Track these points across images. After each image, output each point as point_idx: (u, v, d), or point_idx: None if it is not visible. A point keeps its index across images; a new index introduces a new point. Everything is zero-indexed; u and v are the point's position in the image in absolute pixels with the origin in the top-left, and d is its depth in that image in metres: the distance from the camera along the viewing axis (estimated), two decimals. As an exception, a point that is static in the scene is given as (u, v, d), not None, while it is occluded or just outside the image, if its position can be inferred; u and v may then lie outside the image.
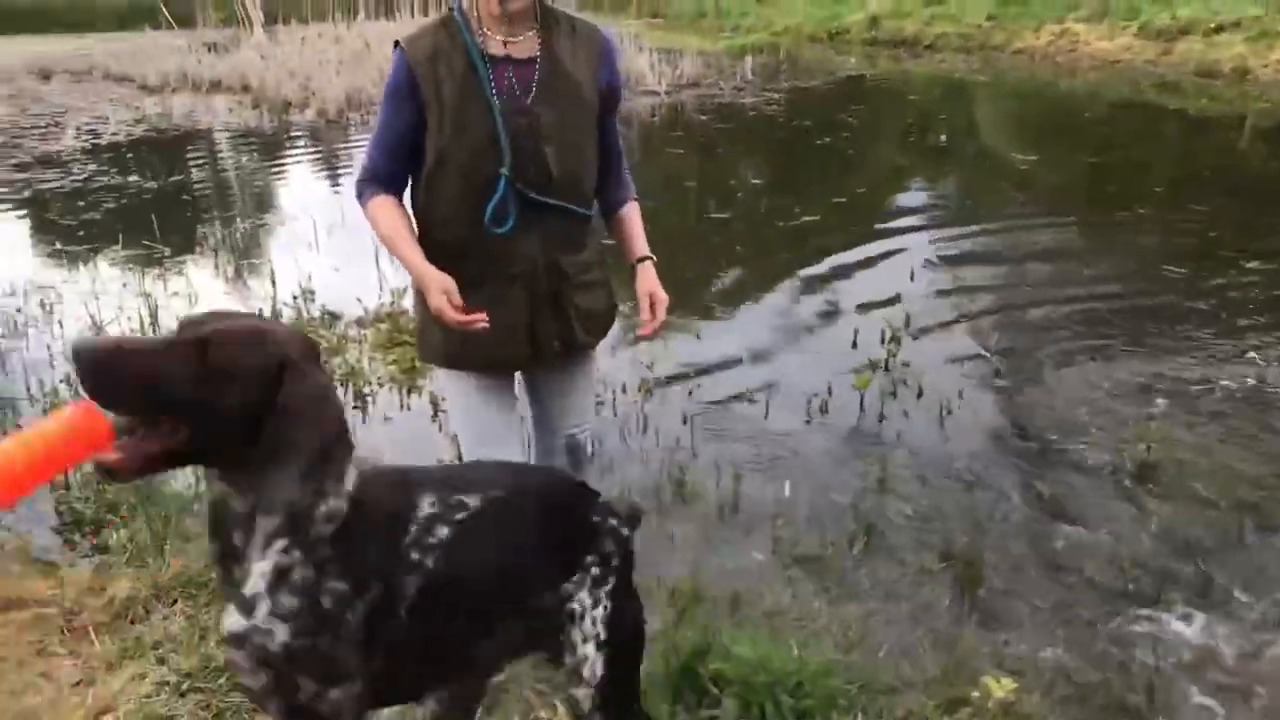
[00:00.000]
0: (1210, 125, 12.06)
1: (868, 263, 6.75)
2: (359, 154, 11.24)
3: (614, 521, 1.89)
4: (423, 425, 4.55)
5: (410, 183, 2.31)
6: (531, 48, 2.22)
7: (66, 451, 1.38)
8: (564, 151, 2.23)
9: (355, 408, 4.71)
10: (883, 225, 7.72)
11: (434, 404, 4.69)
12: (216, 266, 6.96)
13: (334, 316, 5.72)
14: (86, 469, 4.03)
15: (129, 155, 11.17)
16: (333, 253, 7.00)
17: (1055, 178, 9.52)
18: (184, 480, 3.90)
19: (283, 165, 11.12)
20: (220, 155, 11.74)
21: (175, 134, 12.49)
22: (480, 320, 2.13)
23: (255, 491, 1.49)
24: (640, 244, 2.44)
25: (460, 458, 2.60)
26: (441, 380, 2.51)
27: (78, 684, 2.49)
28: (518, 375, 2.52)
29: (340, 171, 10.61)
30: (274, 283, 6.13)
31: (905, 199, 8.65)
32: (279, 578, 1.51)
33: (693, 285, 6.27)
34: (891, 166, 10.47)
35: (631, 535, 1.94)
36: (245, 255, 7.32)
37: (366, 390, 4.86)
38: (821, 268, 6.71)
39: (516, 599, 1.77)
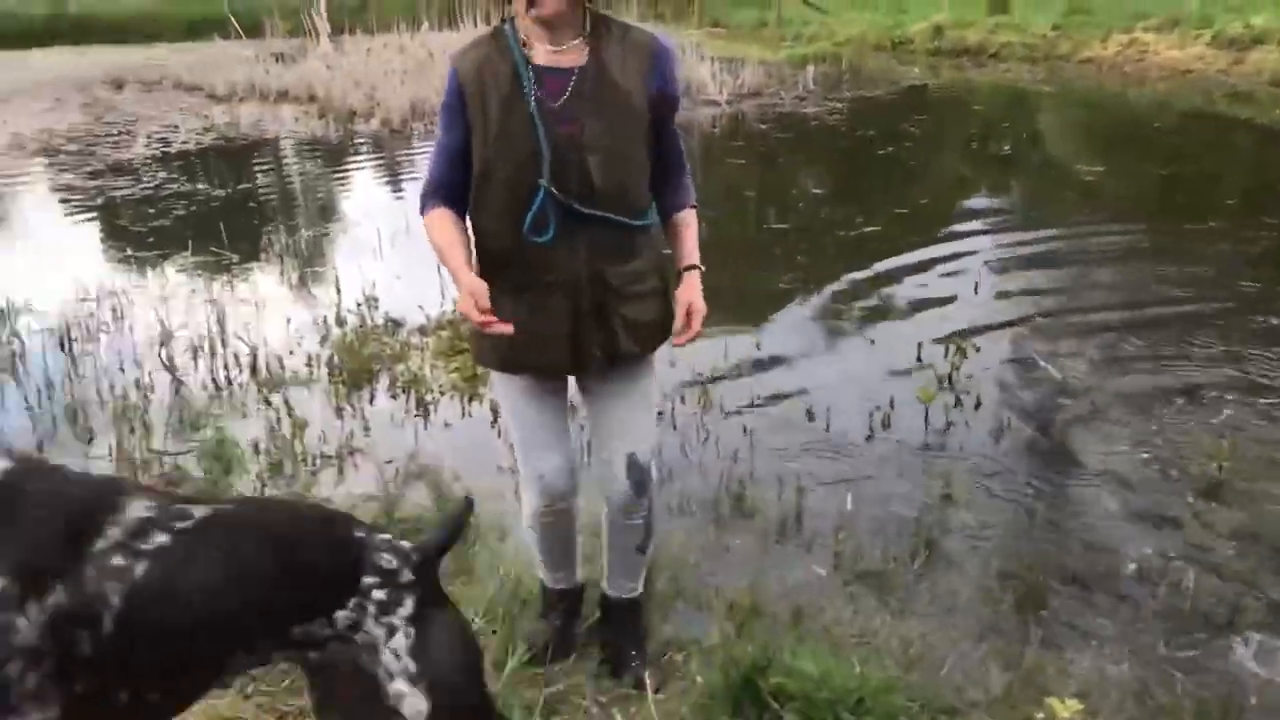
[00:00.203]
0: (1284, 136, 11.80)
1: (931, 274, 6.68)
2: (421, 163, 11.36)
3: (388, 539, 1.73)
4: (483, 433, 4.57)
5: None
6: (578, 57, 2.22)
7: None
8: (609, 161, 2.22)
9: (417, 415, 4.75)
10: (946, 236, 7.64)
11: (494, 411, 4.71)
12: (282, 273, 7.07)
13: (396, 324, 5.78)
14: (155, 470, 4.13)
15: (198, 163, 11.39)
16: (396, 261, 7.08)
17: (1123, 188, 9.36)
18: (249, 484, 3.97)
19: (347, 174, 11.28)
20: (286, 164, 11.94)
21: (243, 143, 12.72)
22: (504, 328, 2.14)
23: None
24: (687, 252, 2.40)
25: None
26: (495, 383, 2.56)
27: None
28: (573, 384, 2.53)
29: (402, 180, 10.73)
30: (338, 290, 6.21)
31: (969, 210, 8.55)
32: None
33: (753, 295, 6.24)
34: (955, 177, 10.37)
35: (430, 552, 1.76)
36: (310, 262, 7.43)
37: (428, 398, 4.90)
38: (884, 278, 6.65)
39: (255, 620, 1.59)
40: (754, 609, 3.01)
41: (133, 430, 4.50)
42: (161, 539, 1.50)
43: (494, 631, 2.72)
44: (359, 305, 6.04)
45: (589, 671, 2.64)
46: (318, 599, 1.63)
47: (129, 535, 1.48)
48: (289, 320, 5.94)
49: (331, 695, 1.77)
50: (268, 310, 6.19)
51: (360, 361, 5.24)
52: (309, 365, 5.29)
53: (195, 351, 5.48)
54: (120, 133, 13.41)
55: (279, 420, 4.62)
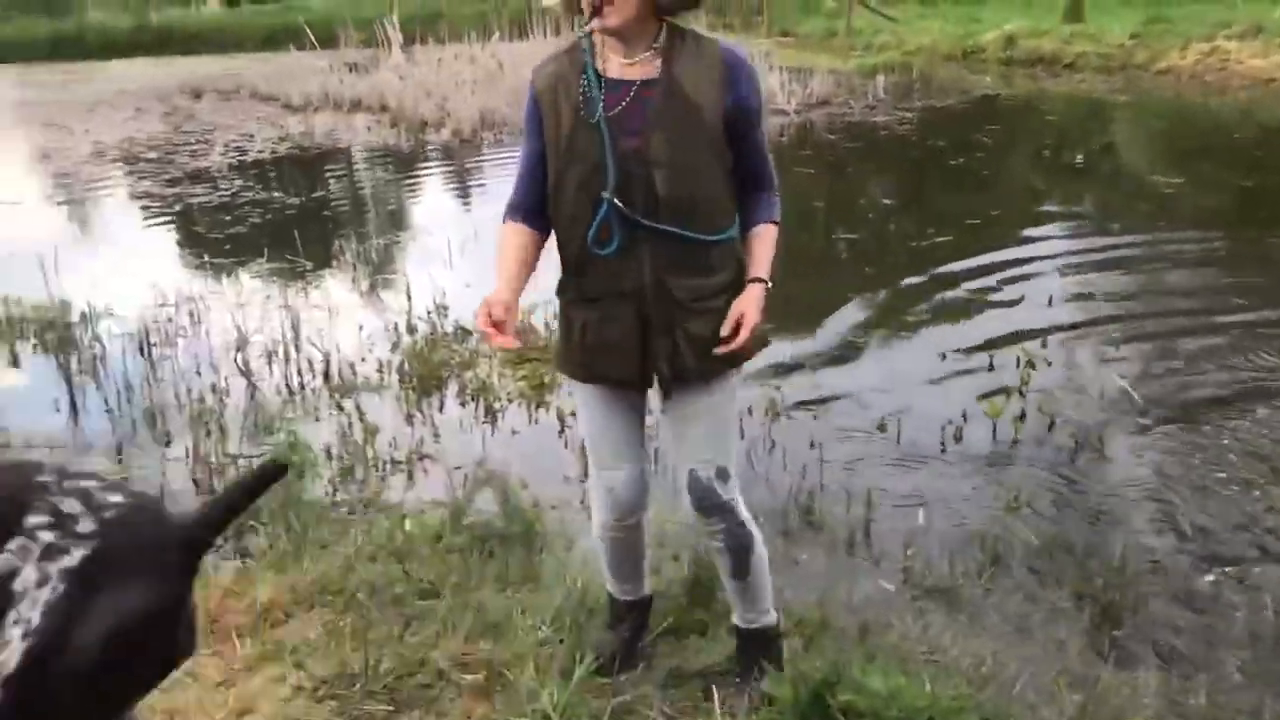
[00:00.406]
0: (1373, 147, 11.45)
1: (1002, 286, 6.58)
2: (490, 171, 11.49)
3: (87, 487, 1.50)
4: (550, 441, 4.60)
5: None
6: (650, 69, 2.21)
7: None
8: (675, 175, 2.21)
9: (485, 422, 4.80)
10: (1018, 248, 7.52)
11: (561, 419, 4.74)
12: (354, 281, 7.18)
13: (466, 332, 5.83)
14: (230, 473, 4.20)
15: (273, 172, 11.62)
16: (465, 269, 7.15)
17: (1202, 200, 9.15)
18: (321, 488, 4.03)
19: (418, 183, 11.42)
20: (359, 172, 12.12)
21: (317, 152, 12.94)
22: (504, 341, 2.15)
23: None
24: (755, 264, 2.34)
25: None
26: (574, 391, 2.56)
27: (220, 684, 2.57)
28: (655, 395, 2.51)
29: (471, 189, 10.84)
30: (409, 297, 6.28)
31: (1042, 221, 8.41)
32: None
33: (822, 306, 6.20)
34: (1027, 187, 10.21)
35: (190, 522, 1.56)
36: (382, 270, 7.54)
37: (496, 405, 4.94)
38: (954, 290, 6.57)
39: None
40: (822, 624, 2.99)
41: (209, 433, 4.60)
42: None
43: (561, 640, 2.72)
44: (429, 313, 6.11)
45: (656, 682, 2.63)
46: None
47: None
48: (361, 327, 6.03)
49: None
50: (340, 317, 6.29)
51: (430, 368, 5.30)
52: (380, 371, 5.36)
53: (270, 356, 5.59)
54: (198, 141, 13.72)
55: (350, 425, 4.68)
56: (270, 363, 5.53)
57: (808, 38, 25.17)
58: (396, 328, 5.99)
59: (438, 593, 3.01)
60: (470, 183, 11.23)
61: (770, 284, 2.33)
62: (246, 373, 5.41)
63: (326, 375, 5.32)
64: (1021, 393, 4.78)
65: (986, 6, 25.07)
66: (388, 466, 4.35)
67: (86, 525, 1.46)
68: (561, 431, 4.66)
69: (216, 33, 30.58)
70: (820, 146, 11.99)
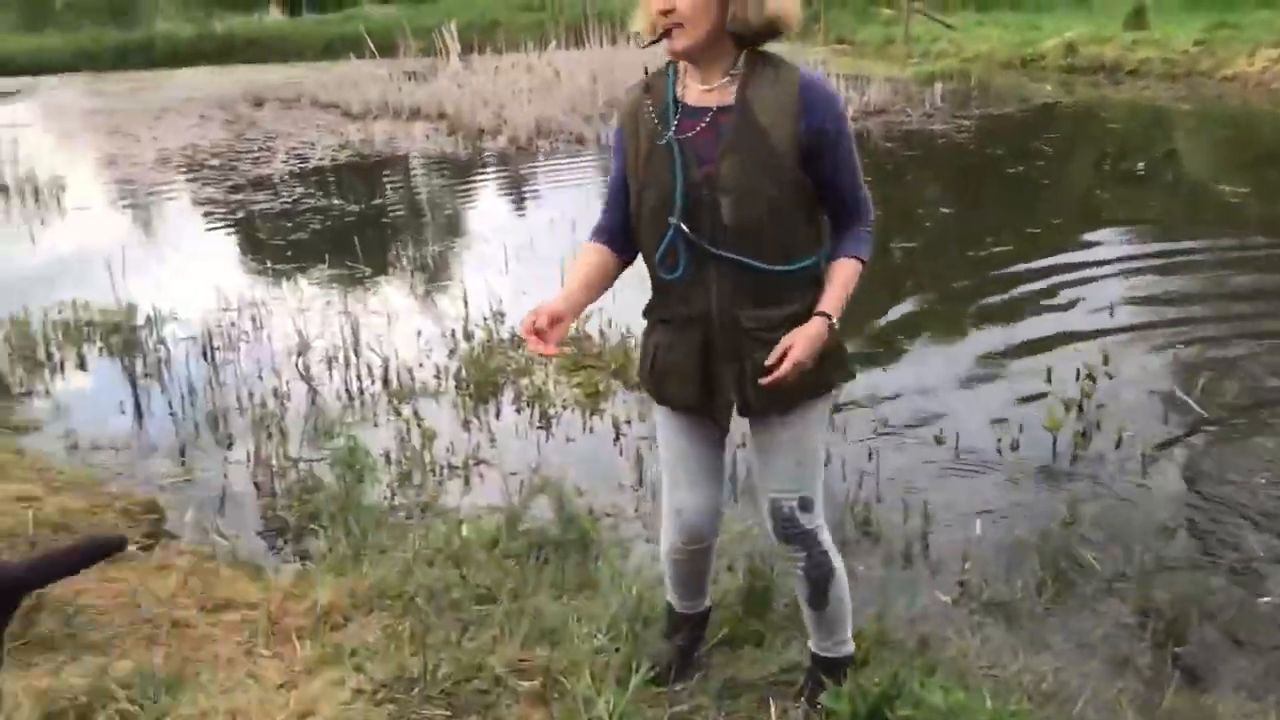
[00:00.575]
0: None
1: (1061, 296, 6.49)
2: (546, 179, 11.56)
3: None
4: (605, 449, 4.61)
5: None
6: (726, 95, 2.19)
7: None
8: (742, 203, 2.18)
9: (540, 429, 4.82)
10: (1078, 257, 7.41)
11: (616, 428, 4.75)
12: (412, 287, 7.25)
13: (521, 339, 5.84)
14: (291, 476, 4.27)
15: (332, 179, 11.77)
16: (521, 276, 7.19)
17: (1270, 211, 8.95)
18: (380, 492, 4.08)
19: (476, 190, 11.51)
20: (417, 180, 12.24)
21: (376, 159, 13.09)
22: (541, 348, 2.16)
23: None
24: (825, 299, 2.24)
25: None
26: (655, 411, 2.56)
27: (281, 686, 2.61)
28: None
29: (527, 196, 10.90)
30: (466, 304, 6.33)
31: (1102, 230, 8.28)
32: None
33: (877, 315, 6.16)
34: (1088, 196, 10.06)
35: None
36: (439, 277, 7.61)
37: (551, 412, 4.96)
38: (1012, 299, 6.50)
39: None
40: (879, 636, 2.96)
41: (270, 436, 4.67)
42: None
43: (617, 649, 2.73)
44: (485, 319, 6.16)
45: (712, 693, 2.63)
46: None
47: None
48: (419, 333, 6.09)
49: None
50: (398, 323, 6.36)
51: (486, 374, 5.34)
52: (438, 377, 5.41)
53: (330, 361, 5.66)
54: (260, 149, 13.94)
55: (408, 430, 4.73)
56: (330, 368, 5.61)
57: (864, 45, 25.01)
58: (453, 334, 6.04)
59: (494, 598, 3.03)
60: (526, 190, 11.30)
61: (835, 321, 2.24)
62: (307, 377, 5.49)
63: (385, 380, 5.38)
64: (1081, 406, 4.72)
65: (1046, 14, 24.78)
66: (445, 472, 4.39)
67: None
68: (616, 439, 4.67)
69: (278, 41, 31.02)
70: (877, 155, 11.90)
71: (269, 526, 3.99)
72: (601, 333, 5.83)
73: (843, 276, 2.27)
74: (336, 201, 10.46)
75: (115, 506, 3.89)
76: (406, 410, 5.01)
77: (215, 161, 13.09)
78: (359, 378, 5.44)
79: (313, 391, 5.32)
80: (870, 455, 4.33)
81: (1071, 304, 6.34)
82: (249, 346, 6.04)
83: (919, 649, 2.96)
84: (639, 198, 2.29)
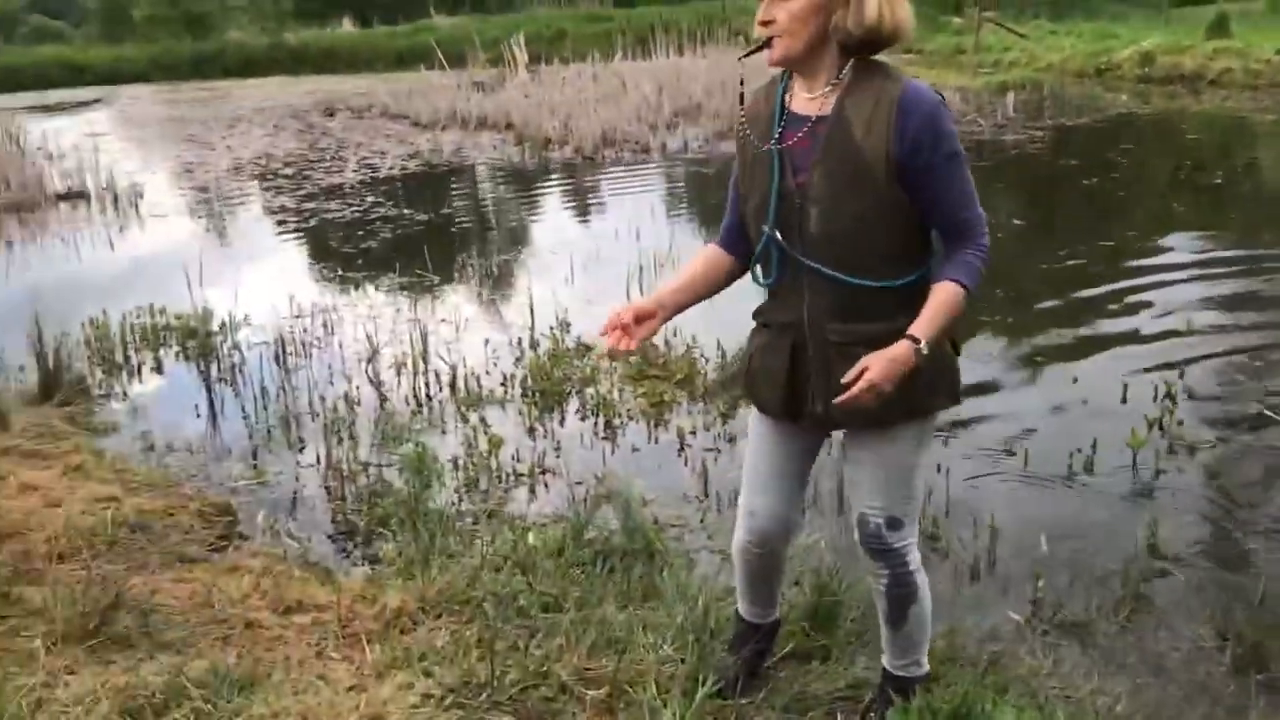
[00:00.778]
0: None
1: (1138, 311, 6.36)
2: (611, 188, 11.60)
3: None
4: (670, 459, 4.60)
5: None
6: (828, 105, 2.17)
7: None
8: (828, 215, 2.17)
9: (604, 438, 4.82)
10: (1155, 271, 7.25)
11: (681, 439, 4.74)
12: (480, 296, 7.32)
13: (587, 348, 5.89)
14: (361, 481, 4.32)
15: (401, 188, 11.92)
16: (587, 285, 7.22)
17: (1355, 224, 8.71)
18: (447, 498, 4.11)
19: (541, 200, 11.59)
20: (485, 189, 12.36)
21: (444, 168, 13.24)
22: (608, 341, 2.27)
23: None
24: (917, 323, 2.13)
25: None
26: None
27: (351, 688, 2.63)
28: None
29: (592, 207, 10.95)
30: (532, 313, 6.37)
31: (1180, 244, 8.11)
32: None
33: (947, 329, 6.07)
34: (1165, 209, 9.86)
35: None
36: (506, 286, 7.67)
37: (616, 422, 4.96)
38: (1087, 314, 6.38)
39: None
40: (949, 654, 2.92)
41: (340, 441, 4.73)
42: None
43: (682, 660, 2.72)
44: (551, 328, 6.19)
45: (778, 706, 2.61)
46: None
47: None
48: (486, 341, 6.14)
49: None
50: (466, 330, 6.42)
51: (552, 383, 5.37)
52: (504, 385, 5.44)
53: (399, 368, 5.73)
54: (332, 158, 14.17)
55: (475, 437, 4.77)
56: (399, 374, 5.67)
57: (934, 55, 24.80)
58: (520, 342, 6.08)
59: (560, 606, 3.04)
60: (591, 200, 11.35)
61: (923, 346, 2.11)
62: (376, 383, 5.56)
63: (453, 387, 5.43)
64: (1161, 424, 4.62)
65: (1122, 23, 24.37)
66: (510, 479, 4.41)
67: None
68: (681, 450, 4.66)
69: (350, 52, 31.60)
70: (946, 165, 11.77)
71: (339, 530, 4.04)
72: (666, 342, 5.83)
73: (939, 301, 2.14)
74: (406, 210, 10.59)
75: (190, 508, 3.97)
76: (473, 417, 5.05)
77: (288, 170, 13.33)
78: (427, 384, 5.49)
79: (382, 397, 5.38)
80: (939, 468, 4.28)
81: (1149, 317, 6.21)
82: (320, 352, 6.13)
83: (990, 668, 2.91)
84: (745, 202, 2.32)
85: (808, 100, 2.20)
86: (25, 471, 4.18)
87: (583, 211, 10.88)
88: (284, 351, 6.03)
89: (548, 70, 19.20)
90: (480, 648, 2.74)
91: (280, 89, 25.10)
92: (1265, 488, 4.11)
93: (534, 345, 6.02)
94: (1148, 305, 6.45)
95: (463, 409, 5.15)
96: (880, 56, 2.19)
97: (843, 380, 2.12)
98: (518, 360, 5.81)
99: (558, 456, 4.62)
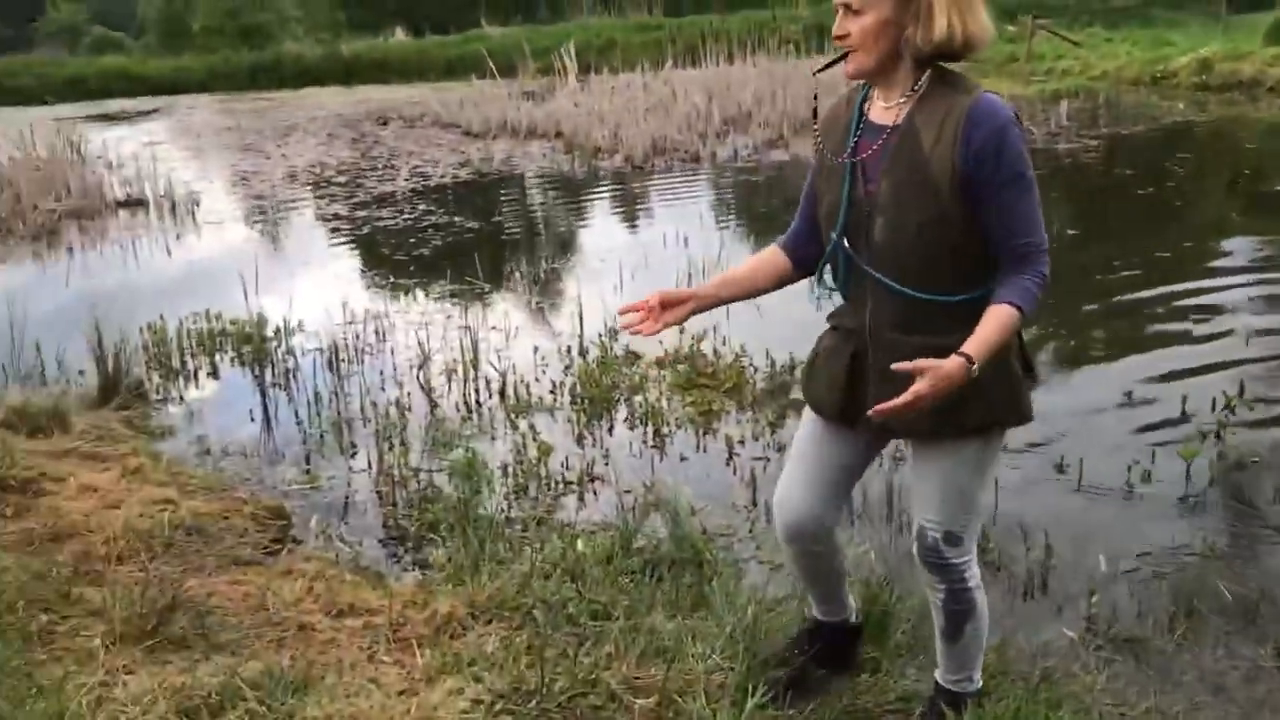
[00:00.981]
0: None
1: (1194, 320, 6.27)
2: (660, 197, 11.61)
3: None
4: (718, 468, 4.60)
5: None
6: (900, 115, 2.18)
7: None
8: (890, 225, 2.18)
9: (653, 447, 4.83)
10: (1212, 282, 7.14)
11: (729, 448, 4.74)
12: (530, 303, 7.36)
13: (635, 356, 5.90)
14: (412, 486, 4.36)
15: (452, 196, 12.02)
16: (636, 294, 7.14)
17: None
18: (496, 504, 4.13)
19: (591, 208, 11.63)
20: (534, 198, 12.43)
21: (495, 177, 13.33)
22: (638, 326, 2.35)
23: None
24: (970, 340, 2.07)
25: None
26: None
27: (402, 692, 2.66)
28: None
29: (640, 215, 10.97)
30: (581, 321, 6.39)
31: (1238, 255, 7.97)
32: None
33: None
34: (1222, 219, 9.70)
35: None
36: (555, 293, 7.71)
37: (664, 430, 4.97)
38: (1141, 324, 6.30)
39: None
40: (1001, 668, 2.89)
41: (391, 447, 4.78)
42: None
43: (732, 669, 2.71)
44: (600, 336, 6.21)
45: (828, 718, 2.60)
46: None
47: None
48: (535, 348, 6.17)
49: None
50: (515, 338, 6.46)
51: (600, 391, 5.38)
52: (553, 392, 5.47)
53: (449, 374, 5.78)
54: (384, 166, 14.31)
55: (524, 444, 4.79)
56: (450, 380, 5.72)
57: (986, 63, 24.55)
58: (569, 350, 6.11)
59: (609, 614, 3.05)
60: (640, 208, 11.37)
61: (975, 367, 2.05)
62: (428, 389, 5.61)
63: (502, 394, 5.46)
64: (1218, 434, 4.54)
65: (1178, 30, 24.02)
66: (559, 486, 4.43)
67: None
68: (729, 460, 4.66)
69: (402, 62, 31.89)
70: (999, 174, 11.66)
71: (390, 535, 4.08)
72: (715, 352, 5.83)
73: (994, 320, 2.09)
74: (456, 218, 10.67)
75: (245, 511, 4.03)
76: (523, 424, 5.08)
77: (341, 178, 13.49)
78: (477, 391, 5.54)
79: (433, 403, 5.43)
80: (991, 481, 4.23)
81: (1204, 329, 6.11)
82: (372, 358, 6.20)
83: (1042, 683, 2.87)
84: (819, 206, 2.36)
85: (884, 110, 2.22)
86: (85, 473, 4.27)
87: (631, 219, 10.91)
88: (337, 357, 6.11)
89: (597, 79, 19.27)
90: (530, 654, 2.75)
91: (334, 98, 25.41)
92: (1328, 503, 4.03)
93: (583, 353, 6.04)
94: (1204, 315, 6.35)
95: (512, 416, 5.19)
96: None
97: (893, 367, 2.08)
98: (567, 368, 5.83)
99: (606, 464, 4.63)
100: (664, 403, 5.25)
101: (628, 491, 4.30)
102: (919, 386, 2.03)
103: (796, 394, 5.15)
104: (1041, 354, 5.83)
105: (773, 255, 2.48)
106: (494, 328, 6.67)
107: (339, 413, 5.33)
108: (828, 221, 2.30)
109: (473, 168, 13.92)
